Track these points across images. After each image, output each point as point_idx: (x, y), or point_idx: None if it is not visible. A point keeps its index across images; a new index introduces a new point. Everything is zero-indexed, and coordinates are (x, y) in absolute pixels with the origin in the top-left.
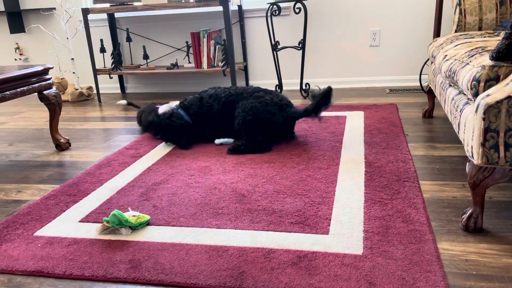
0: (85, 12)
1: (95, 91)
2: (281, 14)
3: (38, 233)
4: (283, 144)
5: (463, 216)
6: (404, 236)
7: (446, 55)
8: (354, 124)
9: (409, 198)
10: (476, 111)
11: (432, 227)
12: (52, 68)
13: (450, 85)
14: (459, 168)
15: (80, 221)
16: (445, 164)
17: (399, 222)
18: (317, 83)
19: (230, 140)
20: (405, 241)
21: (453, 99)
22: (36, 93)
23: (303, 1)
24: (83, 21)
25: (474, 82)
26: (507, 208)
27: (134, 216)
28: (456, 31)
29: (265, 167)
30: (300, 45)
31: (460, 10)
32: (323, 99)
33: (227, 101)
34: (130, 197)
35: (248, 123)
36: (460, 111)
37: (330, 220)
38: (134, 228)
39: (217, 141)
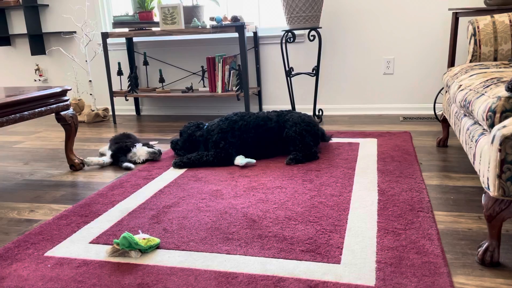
0: (105, 36)
1: (110, 113)
2: (295, 41)
3: (49, 253)
4: (295, 169)
5: (479, 249)
6: (418, 268)
7: (461, 85)
8: (367, 151)
9: (423, 229)
10: (492, 142)
11: (447, 260)
12: (70, 89)
13: (465, 115)
14: (474, 199)
15: (90, 242)
16: (460, 194)
17: (412, 253)
18: (331, 109)
19: (253, 161)
20: (419, 273)
21: (468, 129)
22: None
23: (318, 29)
24: (102, 44)
25: (489, 113)
26: None
27: (144, 239)
28: (471, 61)
29: (277, 192)
30: (314, 72)
31: (475, 40)
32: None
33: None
34: (141, 220)
35: (302, 131)
36: (476, 142)
37: (342, 249)
38: (144, 251)
39: (241, 161)
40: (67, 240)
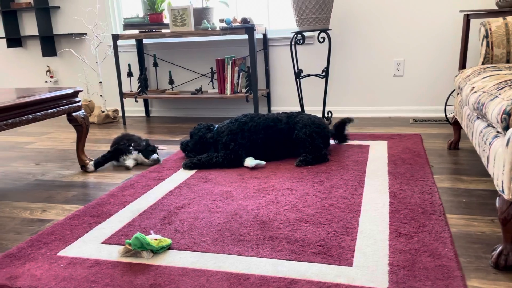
0: (115, 38)
1: (120, 114)
2: (305, 42)
3: (61, 253)
4: (305, 171)
5: (493, 253)
6: (431, 272)
7: (473, 87)
8: (378, 154)
9: (435, 232)
10: (507, 144)
11: (460, 263)
12: (82, 91)
13: (478, 118)
14: (487, 202)
15: (102, 243)
16: (473, 197)
17: (425, 256)
18: (340, 111)
19: (263, 163)
20: (432, 276)
21: (481, 132)
22: (65, 115)
23: (327, 31)
24: (112, 46)
25: (504, 116)
26: None
27: (156, 239)
28: (483, 63)
29: (287, 194)
30: (324, 74)
31: (487, 42)
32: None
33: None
34: (152, 220)
35: (312, 133)
36: (489, 144)
37: (353, 251)
38: (156, 251)
39: (251, 163)
40: (79, 240)
